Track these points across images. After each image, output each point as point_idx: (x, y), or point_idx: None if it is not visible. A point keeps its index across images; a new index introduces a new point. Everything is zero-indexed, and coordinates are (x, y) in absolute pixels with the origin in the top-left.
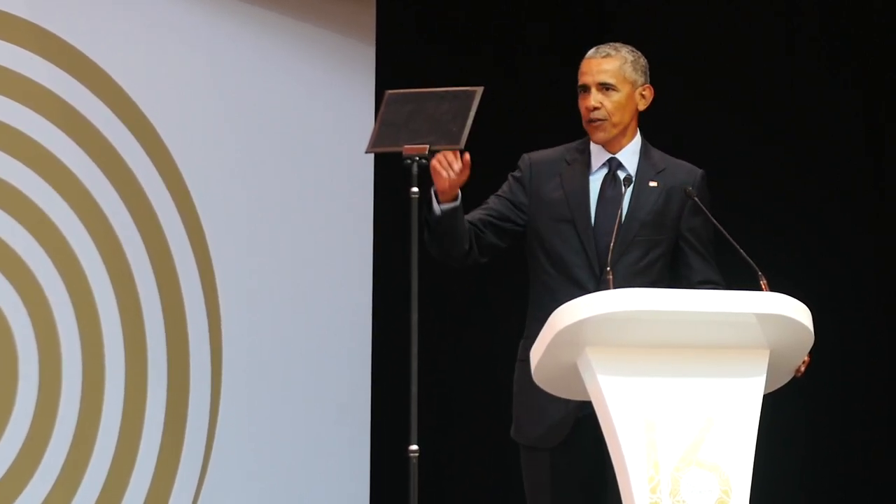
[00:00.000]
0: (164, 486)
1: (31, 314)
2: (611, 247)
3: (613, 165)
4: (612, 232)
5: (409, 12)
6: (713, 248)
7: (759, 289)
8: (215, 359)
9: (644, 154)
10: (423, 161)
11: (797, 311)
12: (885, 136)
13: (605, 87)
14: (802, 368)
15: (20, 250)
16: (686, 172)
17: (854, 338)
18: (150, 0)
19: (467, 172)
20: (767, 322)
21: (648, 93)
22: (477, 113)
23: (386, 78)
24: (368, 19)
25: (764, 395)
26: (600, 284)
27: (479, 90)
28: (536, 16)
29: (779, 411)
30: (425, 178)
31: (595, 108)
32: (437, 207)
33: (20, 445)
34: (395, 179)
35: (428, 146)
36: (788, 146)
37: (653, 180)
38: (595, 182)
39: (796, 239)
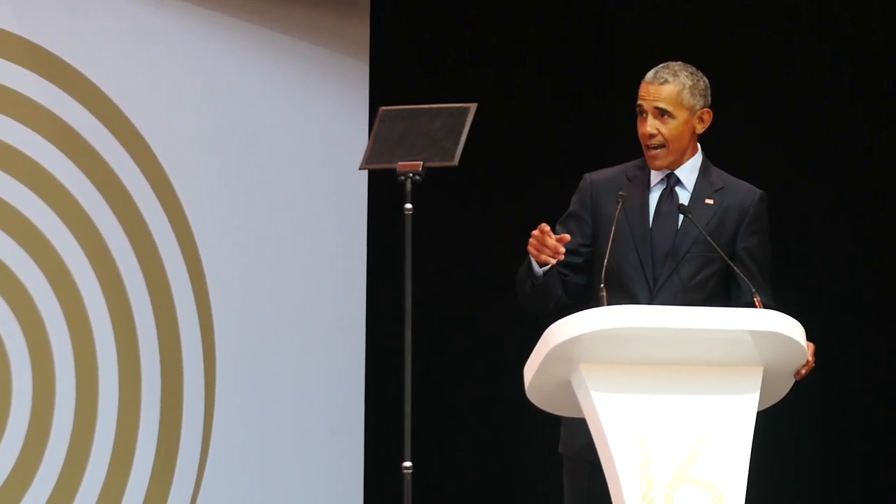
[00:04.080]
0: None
1: (23, 325)
2: (665, 262)
3: (672, 181)
4: (668, 247)
5: (403, 28)
6: (769, 271)
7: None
8: (208, 374)
9: (703, 172)
10: (418, 178)
11: (791, 329)
12: (885, 142)
13: (661, 113)
14: (804, 371)
15: (10, 262)
16: (745, 193)
17: (849, 350)
18: (143, 14)
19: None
20: (761, 339)
21: (707, 116)
22: (471, 130)
23: (380, 94)
24: (362, 36)
25: (757, 412)
26: (653, 299)
27: (473, 107)
28: (531, 33)
29: (773, 427)
30: (419, 194)
31: (652, 135)
32: (537, 269)
33: (16, 457)
34: (389, 196)
35: (422, 162)
36: (783, 153)
37: (709, 198)
38: (654, 198)
39: (790, 248)
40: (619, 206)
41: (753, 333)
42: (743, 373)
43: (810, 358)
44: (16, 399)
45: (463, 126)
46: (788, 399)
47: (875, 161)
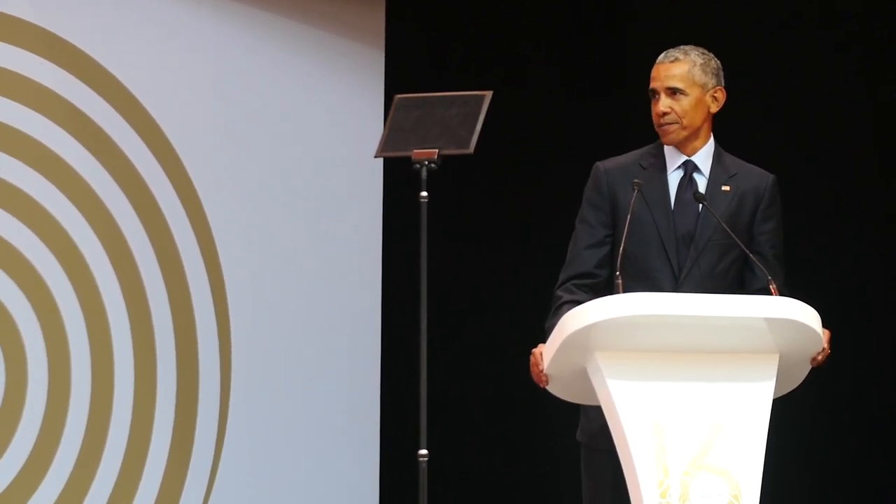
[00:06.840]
0: (173, 494)
1: (40, 317)
2: (689, 250)
3: (689, 168)
4: (690, 235)
5: (419, 17)
6: (783, 255)
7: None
8: (224, 363)
9: (717, 158)
10: (433, 165)
11: (807, 316)
12: (892, 135)
13: (673, 92)
14: (820, 358)
15: (28, 253)
16: (757, 177)
17: (865, 339)
18: (159, 4)
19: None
20: (777, 326)
21: (720, 95)
22: (486, 118)
23: (395, 82)
24: (378, 24)
25: (773, 399)
26: (678, 287)
27: (489, 94)
28: (542, 27)
29: (788, 414)
30: (434, 182)
31: (665, 113)
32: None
33: (31, 447)
34: (404, 184)
35: (437, 150)
36: (790, 148)
37: (725, 185)
38: (672, 185)
39: (798, 242)
40: (634, 194)
41: (769, 321)
42: (759, 360)
43: (826, 345)
44: (30, 392)
45: (478, 114)
46: (803, 388)
47: (882, 156)
